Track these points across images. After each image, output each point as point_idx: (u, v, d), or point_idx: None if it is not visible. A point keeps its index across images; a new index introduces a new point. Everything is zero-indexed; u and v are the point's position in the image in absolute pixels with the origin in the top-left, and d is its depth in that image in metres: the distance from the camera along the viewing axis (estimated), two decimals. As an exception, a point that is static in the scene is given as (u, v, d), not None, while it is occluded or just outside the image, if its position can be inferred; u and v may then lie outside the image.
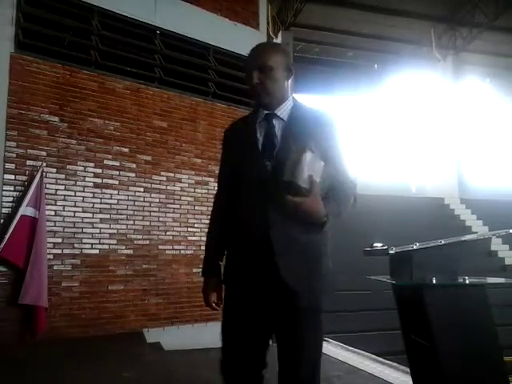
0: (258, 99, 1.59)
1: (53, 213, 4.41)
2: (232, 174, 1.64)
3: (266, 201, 1.46)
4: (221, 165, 1.77)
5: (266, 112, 1.60)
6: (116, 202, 4.82)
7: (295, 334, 1.51)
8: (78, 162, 4.63)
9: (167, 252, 5.10)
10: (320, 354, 1.56)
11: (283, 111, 1.60)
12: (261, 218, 1.47)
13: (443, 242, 1.80)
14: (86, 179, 4.67)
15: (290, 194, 1.36)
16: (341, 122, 1.64)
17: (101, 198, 4.73)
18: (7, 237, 3.99)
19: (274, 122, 1.58)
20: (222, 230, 1.64)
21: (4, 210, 4.14)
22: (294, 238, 1.46)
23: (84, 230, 4.59)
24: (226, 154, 1.73)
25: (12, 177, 4.23)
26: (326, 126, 1.58)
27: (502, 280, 2.27)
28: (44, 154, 4.41)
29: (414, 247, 1.79)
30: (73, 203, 4.55)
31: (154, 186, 5.10)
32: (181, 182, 5.31)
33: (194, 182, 5.37)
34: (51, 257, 4.32)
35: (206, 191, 5.40)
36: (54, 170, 4.47)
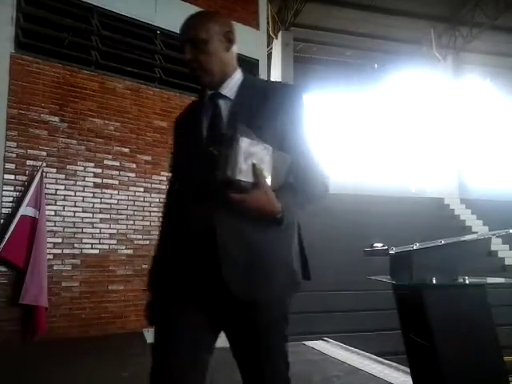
0: (197, 79, 1.35)
1: (53, 213, 4.41)
2: (179, 167, 1.44)
3: (210, 196, 1.22)
4: (171, 160, 1.53)
5: (210, 92, 1.36)
6: (116, 202, 4.82)
7: (251, 353, 1.29)
8: (78, 162, 4.63)
9: (167, 252, 5.10)
10: (284, 370, 1.31)
11: (230, 88, 1.34)
12: (205, 217, 1.24)
13: (443, 242, 1.80)
14: (86, 179, 4.67)
15: (231, 190, 1.14)
16: (306, 97, 1.36)
17: (101, 198, 4.73)
18: (7, 237, 3.99)
19: (220, 102, 1.33)
20: (168, 235, 1.42)
21: (4, 210, 4.14)
22: (243, 238, 1.23)
23: (84, 230, 4.59)
24: (174, 145, 1.49)
25: (12, 177, 4.23)
26: (283, 100, 1.31)
27: (501, 280, 2.28)
28: (44, 154, 4.41)
29: (414, 247, 1.79)
30: (73, 203, 4.55)
31: (153, 185, 5.10)
32: (181, 182, 5.30)
33: (194, 181, 5.38)
34: (51, 257, 4.32)
35: (206, 191, 5.41)
36: (54, 170, 4.47)
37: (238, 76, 1.37)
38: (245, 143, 1.13)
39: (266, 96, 1.31)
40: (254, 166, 1.13)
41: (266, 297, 1.26)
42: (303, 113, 1.35)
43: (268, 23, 10.86)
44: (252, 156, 1.14)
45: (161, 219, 1.53)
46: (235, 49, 1.38)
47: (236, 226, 1.22)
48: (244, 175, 1.13)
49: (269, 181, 1.17)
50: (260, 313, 1.26)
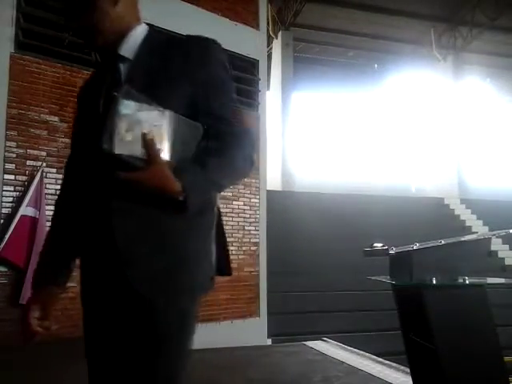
0: (88, 42, 1.13)
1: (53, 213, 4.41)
2: (76, 148, 1.22)
3: (106, 179, 1.01)
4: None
5: (110, 56, 1.13)
6: (116, 202, 4.82)
7: (135, 370, 1.04)
8: (78, 162, 4.63)
9: (167, 252, 5.10)
10: None
11: (129, 47, 1.10)
12: (102, 204, 1.04)
13: (443, 242, 1.80)
14: (86, 179, 4.67)
15: (118, 167, 0.92)
16: (223, 50, 1.14)
17: (101, 198, 4.73)
18: (7, 237, 3.99)
19: (120, 66, 1.09)
20: (60, 226, 1.23)
21: (4, 210, 4.14)
22: (145, 227, 1.02)
23: (84, 230, 4.59)
24: (73, 123, 1.29)
25: (12, 177, 4.23)
26: (193, 57, 1.07)
27: (501, 280, 2.29)
28: (44, 154, 4.41)
29: (414, 247, 1.79)
30: (73, 203, 4.55)
31: (153, 186, 5.10)
32: (181, 182, 5.30)
33: (193, 182, 5.37)
34: (51, 257, 4.32)
35: (205, 191, 5.40)
36: (54, 170, 4.47)
37: (138, 32, 1.12)
38: (127, 108, 0.90)
39: (173, 53, 1.08)
40: (143, 136, 0.90)
41: (175, 297, 1.05)
42: (220, 71, 1.10)
43: (268, 23, 10.88)
44: (141, 124, 0.90)
45: (53, 211, 1.32)
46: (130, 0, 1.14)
47: (135, 215, 1.02)
48: (127, 148, 0.90)
49: (166, 154, 0.94)
50: (161, 317, 1.03)
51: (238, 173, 1.12)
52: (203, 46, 1.10)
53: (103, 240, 1.05)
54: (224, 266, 1.18)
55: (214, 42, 1.12)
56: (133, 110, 0.91)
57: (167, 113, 0.94)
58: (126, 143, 0.90)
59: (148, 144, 0.90)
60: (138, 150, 0.91)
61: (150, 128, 0.91)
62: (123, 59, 1.10)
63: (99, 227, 1.06)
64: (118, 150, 0.89)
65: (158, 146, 0.92)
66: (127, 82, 1.03)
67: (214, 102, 1.07)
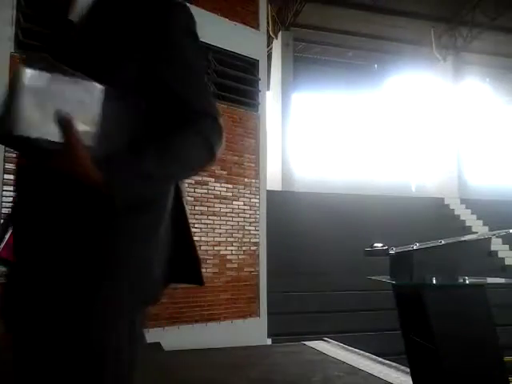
0: (37, 9, 0.97)
1: (53, 213, 4.41)
2: None
3: (20, 166, 0.84)
4: None
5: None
6: (116, 202, 4.82)
7: None
8: (78, 162, 4.63)
9: (167, 252, 5.09)
10: None
11: (80, 11, 0.92)
12: (20, 197, 0.88)
13: (443, 242, 1.81)
14: (86, 179, 4.66)
15: (30, 152, 0.77)
16: (189, 14, 0.97)
17: (101, 198, 4.73)
18: (7, 237, 3.98)
19: (69, 33, 0.92)
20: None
21: (4, 210, 4.14)
22: (62, 229, 0.84)
23: (84, 230, 4.58)
24: None
25: (12, 177, 4.23)
26: (147, 16, 0.88)
27: (501, 280, 2.29)
28: (44, 154, 4.42)
29: (414, 247, 1.79)
30: (73, 203, 4.55)
31: (154, 186, 5.09)
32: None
33: (193, 181, 5.37)
34: (51, 257, 4.32)
35: (205, 191, 5.40)
36: (54, 170, 4.47)
37: None
38: (36, 80, 0.72)
39: (126, 15, 0.89)
40: (57, 114, 0.73)
41: (97, 317, 0.83)
42: (182, 37, 0.92)
43: (268, 23, 10.88)
44: (56, 99, 0.73)
45: None
46: None
47: (52, 210, 0.84)
48: (36, 129, 0.72)
49: (90, 136, 0.76)
50: (85, 339, 0.83)
51: (189, 164, 0.90)
52: (162, 5, 0.91)
53: (24, 243, 0.89)
54: (189, 273, 0.98)
55: (178, 3, 0.94)
56: (45, 82, 0.73)
57: (94, 86, 0.76)
58: (32, 123, 0.72)
59: (63, 124, 0.73)
60: (50, 132, 0.73)
61: (69, 106, 0.74)
62: (73, 25, 0.91)
63: (19, 226, 0.89)
64: (20, 132, 0.71)
65: (79, 127, 0.74)
66: (76, 51, 0.88)
67: (169, 74, 0.87)
